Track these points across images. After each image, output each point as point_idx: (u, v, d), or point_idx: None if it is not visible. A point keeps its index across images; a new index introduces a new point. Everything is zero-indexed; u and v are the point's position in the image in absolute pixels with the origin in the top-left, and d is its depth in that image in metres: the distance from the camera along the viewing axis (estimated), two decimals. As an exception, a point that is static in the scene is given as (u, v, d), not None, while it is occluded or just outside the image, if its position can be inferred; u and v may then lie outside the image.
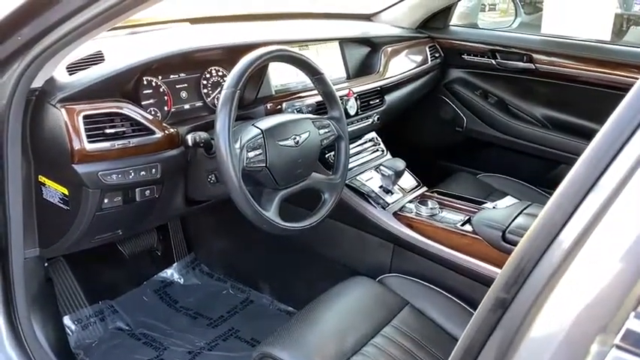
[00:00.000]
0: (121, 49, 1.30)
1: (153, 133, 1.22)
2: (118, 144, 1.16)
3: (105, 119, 1.15)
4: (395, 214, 1.62)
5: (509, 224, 1.44)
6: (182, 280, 2.02)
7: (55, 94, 1.13)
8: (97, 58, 1.25)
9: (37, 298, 1.38)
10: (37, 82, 1.14)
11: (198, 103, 1.47)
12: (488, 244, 1.45)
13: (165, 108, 1.39)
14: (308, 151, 1.33)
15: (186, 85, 1.45)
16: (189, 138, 1.21)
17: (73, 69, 1.21)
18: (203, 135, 1.23)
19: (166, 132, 1.25)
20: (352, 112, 1.74)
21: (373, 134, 1.91)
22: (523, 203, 1.58)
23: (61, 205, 1.24)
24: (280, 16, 1.89)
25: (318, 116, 1.41)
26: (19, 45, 1.04)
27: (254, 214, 1.19)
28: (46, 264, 1.42)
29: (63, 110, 1.11)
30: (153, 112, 1.35)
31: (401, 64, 2.06)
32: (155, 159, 1.23)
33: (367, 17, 2.31)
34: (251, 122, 1.28)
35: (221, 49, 1.49)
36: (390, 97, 1.97)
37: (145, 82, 1.35)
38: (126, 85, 1.25)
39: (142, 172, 1.22)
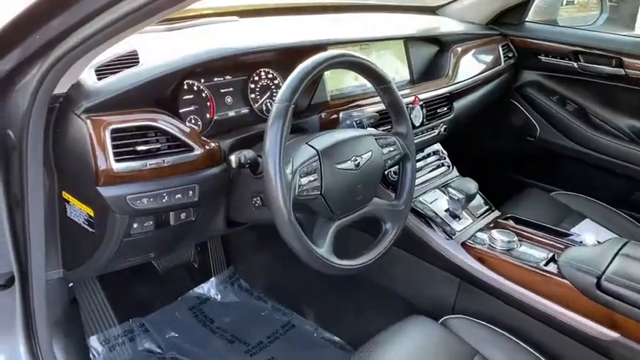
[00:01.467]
0: (159, 50, 1.13)
1: (191, 149, 1.04)
2: (150, 163, 0.98)
3: (137, 133, 0.98)
4: (463, 245, 1.40)
5: (605, 269, 1.20)
6: (219, 296, 1.86)
7: (81, 102, 0.96)
8: (130, 60, 1.07)
9: (60, 322, 1.27)
10: (61, 88, 0.97)
11: (245, 110, 1.29)
12: (578, 290, 1.22)
13: (208, 115, 1.21)
14: (370, 174, 1.13)
15: (231, 89, 1.27)
16: (233, 159, 1.02)
17: (103, 72, 1.04)
18: (249, 155, 1.04)
19: (206, 147, 1.07)
20: (417, 122, 1.52)
21: (438, 146, 1.69)
22: (617, 241, 1.33)
23: (86, 227, 1.08)
24: (337, 8, 1.68)
25: (382, 132, 1.20)
26: (38, 46, 0.88)
27: (306, 252, 1.01)
28: (71, 284, 1.29)
29: (88, 122, 0.95)
30: (193, 121, 1.17)
31: (471, 66, 1.83)
32: (193, 179, 1.06)
33: (432, 10, 2.07)
34: (305, 140, 1.09)
35: (273, 51, 1.30)
36: (458, 104, 1.74)
37: (186, 87, 1.17)
38: (163, 91, 1.08)
39: (178, 195, 1.04)
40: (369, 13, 1.76)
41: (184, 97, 1.17)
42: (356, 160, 1.09)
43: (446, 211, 1.47)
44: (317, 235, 1.08)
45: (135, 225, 1.06)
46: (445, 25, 1.93)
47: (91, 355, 1.50)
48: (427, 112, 1.57)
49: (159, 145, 0.99)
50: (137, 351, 1.60)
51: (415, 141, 1.51)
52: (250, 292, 1.90)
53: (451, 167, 1.68)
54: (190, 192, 1.06)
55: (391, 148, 1.18)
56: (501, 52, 1.99)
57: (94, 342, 1.53)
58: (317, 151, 1.04)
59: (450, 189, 1.42)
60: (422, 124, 1.55)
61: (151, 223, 1.08)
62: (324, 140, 1.09)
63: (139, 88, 1.00)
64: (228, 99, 1.26)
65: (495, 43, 2.00)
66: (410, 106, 1.50)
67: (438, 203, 1.49)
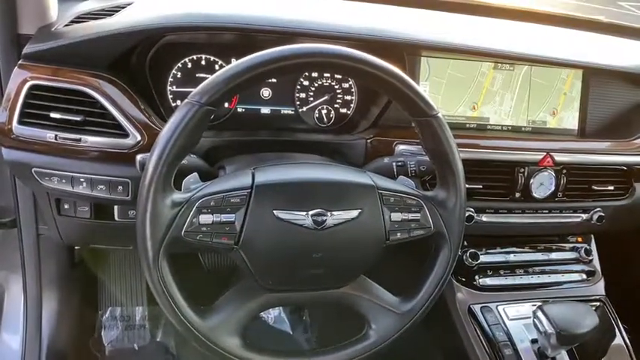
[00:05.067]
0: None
1: (125, 135, 0.80)
2: (62, 137, 0.79)
3: (61, 97, 0.79)
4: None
5: None
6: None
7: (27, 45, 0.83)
8: (115, 10, 0.90)
9: (54, 280, 1.20)
10: (27, 27, 0.85)
11: (287, 110, 0.99)
12: None
13: (225, 104, 0.95)
14: (348, 246, 0.72)
15: (273, 79, 0.97)
16: (139, 159, 0.74)
17: (81, 20, 0.88)
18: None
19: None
20: (542, 192, 0.98)
21: (585, 244, 1.08)
22: None
23: None
24: (488, 10, 1.17)
25: (401, 188, 0.75)
26: None
27: (176, 319, 0.69)
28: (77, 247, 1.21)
29: (16, 68, 0.82)
30: None
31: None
32: (126, 172, 0.82)
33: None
34: (253, 165, 0.73)
35: (350, 39, 0.94)
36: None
37: (204, 63, 0.93)
38: (125, 55, 0.85)
39: (101, 187, 0.83)
40: (533, 24, 1.19)
41: (199, 75, 0.93)
42: (321, 216, 0.69)
43: (533, 342, 0.91)
44: (226, 299, 0.73)
45: (66, 206, 0.89)
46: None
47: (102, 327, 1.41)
48: (568, 183, 1.00)
49: (78, 118, 0.78)
50: (154, 341, 1.43)
51: (533, 220, 0.99)
52: None
53: (596, 276, 1.06)
54: (120, 187, 0.83)
55: (408, 216, 0.74)
56: None
57: (110, 314, 1.41)
58: (252, 184, 0.68)
59: (539, 312, 0.85)
60: (552, 198, 0.99)
61: (86, 209, 0.89)
62: (284, 172, 0.72)
63: (89, 44, 0.81)
64: (266, 92, 0.98)
65: None
66: (532, 169, 0.96)
67: (526, 326, 0.94)
